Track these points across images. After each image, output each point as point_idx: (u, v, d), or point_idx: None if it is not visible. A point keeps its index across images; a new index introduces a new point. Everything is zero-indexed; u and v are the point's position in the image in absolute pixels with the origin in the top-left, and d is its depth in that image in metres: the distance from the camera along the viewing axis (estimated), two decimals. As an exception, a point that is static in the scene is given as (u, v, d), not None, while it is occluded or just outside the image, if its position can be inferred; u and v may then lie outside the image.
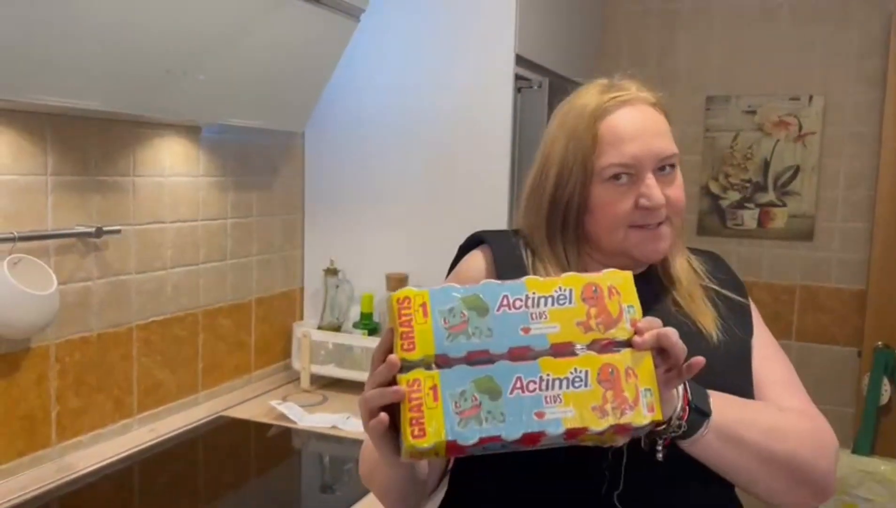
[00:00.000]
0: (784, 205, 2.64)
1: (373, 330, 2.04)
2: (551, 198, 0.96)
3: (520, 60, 1.98)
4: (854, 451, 2.37)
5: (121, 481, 1.47)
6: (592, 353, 0.73)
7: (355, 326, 2.07)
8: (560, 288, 0.74)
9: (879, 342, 2.44)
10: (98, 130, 1.51)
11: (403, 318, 0.71)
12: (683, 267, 1.01)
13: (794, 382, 1.01)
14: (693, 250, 1.07)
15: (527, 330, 0.72)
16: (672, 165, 0.95)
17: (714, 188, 2.73)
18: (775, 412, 0.92)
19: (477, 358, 0.71)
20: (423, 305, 0.71)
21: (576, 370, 0.72)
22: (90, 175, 1.50)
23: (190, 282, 1.77)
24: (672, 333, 0.75)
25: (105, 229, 1.49)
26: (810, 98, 2.59)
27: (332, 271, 2.07)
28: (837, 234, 2.59)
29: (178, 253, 1.73)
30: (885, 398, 2.40)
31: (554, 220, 0.96)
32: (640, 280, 0.82)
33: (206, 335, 1.83)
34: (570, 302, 0.74)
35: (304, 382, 2.01)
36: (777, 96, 2.63)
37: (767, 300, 2.69)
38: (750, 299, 1.05)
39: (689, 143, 2.76)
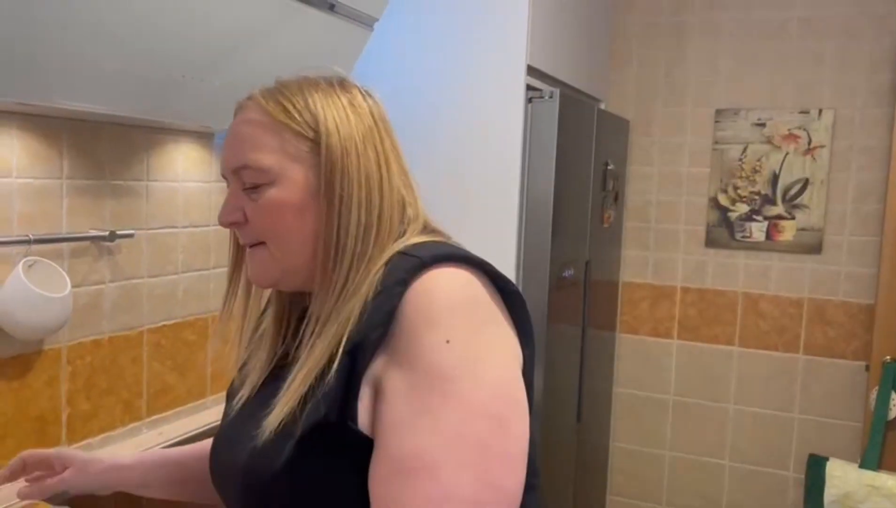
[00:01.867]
0: (793, 218, 2.65)
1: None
2: None
3: (531, 71, 1.99)
4: (861, 466, 2.36)
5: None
6: None
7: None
8: None
9: (888, 357, 2.43)
10: (113, 134, 1.52)
11: None
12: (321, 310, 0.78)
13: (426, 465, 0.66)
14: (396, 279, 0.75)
15: None
16: (253, 187, 0.80)
17: (723, 201, 2.73)
18: None
19: None
20: None
21: None
22: (105, 179, 1.51)
23: (201, 287, 1.78)
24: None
25: (118, 232, 1.50)
26: (820, 112, 2.59)
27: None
28: (846, 247, 2.59)
29: (190, 258, 1.74)
30: (892, 413, 2.39)
31: None
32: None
33: (216, 339, 1.84)
34: None
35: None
36: (786, 110, 2.63)
37: (775, 313, 2.69)
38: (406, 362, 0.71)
39: (698, 155, 2.76)
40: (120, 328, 1.57)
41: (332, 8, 1.62)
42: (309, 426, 0.71)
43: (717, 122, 2.72)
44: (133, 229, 1.56)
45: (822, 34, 2.58)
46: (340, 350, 0.72)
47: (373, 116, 0.85)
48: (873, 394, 2.43)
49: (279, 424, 0.73)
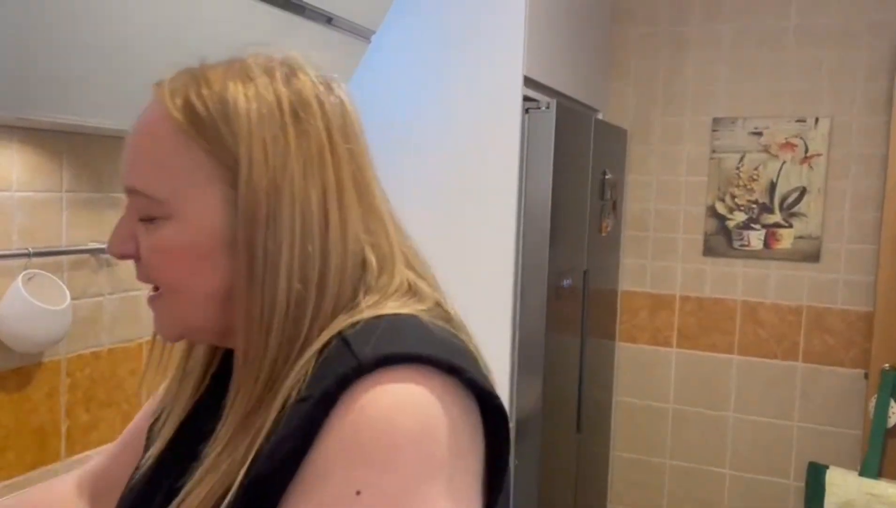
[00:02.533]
0: (790, 226, 2.65)
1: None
2: None
3: (528, 82, 2.00)
4: (861, 473, 2.36)
5: (129, 496, 1.48)
6: None
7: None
8: None
9: (887, 364, 2.44)
10: (113, 147, 1.53)
11: None
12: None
13: None
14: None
15: None
16: (147, 218, 0.60)
17: (720, 209, 2.74)
18: None
19: None
20: None
21: None
22: (104, 192, 1.52)
23: (200, 298, 1.78)
24: None
25: (118, 245, 1.51)
26: (816, 120, 2.60)
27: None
28: (844, 255, 2.60)
29: (189, 269, 1.75)
30: (892, 421, 2.39)
31: None
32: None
33: (214, 350, 1.84)
34: None
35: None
36: (783, 118, 2.64)
37: (774, 321, 2.69)
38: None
39: (696, 164, 2.77)
40: (119, 339, 1.58)
41: (329, 21, 1.63)
42: None
43: (714, 131, 2.74)
44: (132, 241, 1.57)
45: (819, 43, 2.59)
46: (238, 480, 0.53)
47: (328, 128, 0.60)
48: (872, 402, 2.43)
49: None
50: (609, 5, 2.78)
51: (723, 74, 2.72)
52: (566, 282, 2.18)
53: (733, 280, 2.74)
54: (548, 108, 2.00)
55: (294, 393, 0.54)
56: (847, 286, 2.59)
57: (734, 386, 2.76)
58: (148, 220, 0.60)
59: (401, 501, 0.49)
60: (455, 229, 2.01)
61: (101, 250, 1.49)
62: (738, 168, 2.71)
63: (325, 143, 0.59)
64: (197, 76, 0.62)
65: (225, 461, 0.55)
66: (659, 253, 2.84)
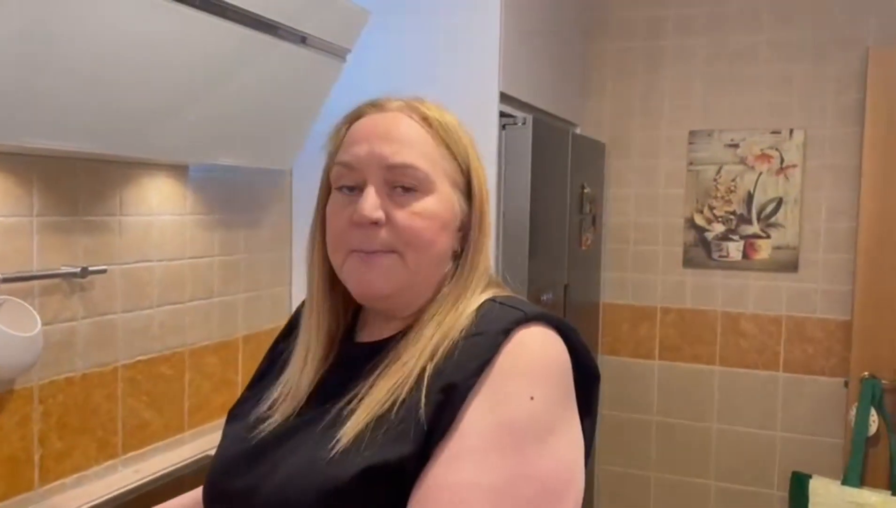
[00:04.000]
0: (768, 237, 2.67)
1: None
2: (313, 221, 0.86)
3: (504, 98, 2.01)
4: (843, 482, 2.37)
5: (104, 524, 1.45)
6: None
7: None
8: None
9: (866, 373, 2.45)
10: (85, 170, 1.51)
11: None
12: (425, 333, 0.77)
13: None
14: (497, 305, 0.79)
15: None
16: (409, 188, 0.77)
17: (699, 221, 2.76)
18: None
19: None
20: None
21: None
22: (77, 215, 1.50)
23: (176, 320, 1.76)
24: None
25: (91, 268, 1.49)
26: (791, 132, 2.63)
27: (319, 308, 2.06)
28: (821, 265, 2.62)
29: (165, 292, 1.73)
30: (872, 429, 2.41)
31: (311, 250, 0.86)
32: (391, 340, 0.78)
33: (192, 373, 1.82)
34: None
35: (292, 419, 1.99)
36: (758, 130, 2.67)
37: (754, 332, 2.70)
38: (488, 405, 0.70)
39: (674, 176, 2.79)
40: (93, 364, 1.55)
41: (303, 40, 1.63)
42: (386, 457, 0.68)
43: (690, 143, 2.76)
44: (106, 264, 1.55)
45: (791, 57, 2.63)
46: (426, 385, 0.70)
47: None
48: (853, 410, 2.44)
49: (352, 442, 0.70)
50: (585, 21, 2.80)
51: (698, 88, 2.75)
52: (546, 296, 2.18)
53: (713, 291, 2.76)
54: (524, 123, 2.01)
55: (461, 332, 0.74)
56: (825, 296, 2.62)
57: (717, 397, 2.77)
58: (404, 191, 0.78)
59: (559, 406, 0.72)
60: (434, 245, 2.00)
61: (74, 274, 1.47)
62: (715, 180, 2.73)
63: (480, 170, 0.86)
64: (413, 101, 0.84)
65: (396, 374, 0.73)
66: (639, 266, 2.85)
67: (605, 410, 2.91)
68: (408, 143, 0.79)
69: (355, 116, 0.85)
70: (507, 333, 0.72)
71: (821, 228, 2.62)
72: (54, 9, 1.13)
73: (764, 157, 2.67)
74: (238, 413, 0.90)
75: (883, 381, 2.43)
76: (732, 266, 2.72)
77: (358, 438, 0.70)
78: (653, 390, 2.85)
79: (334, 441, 0.71)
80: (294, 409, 0.81)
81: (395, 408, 0.71)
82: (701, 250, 2.76)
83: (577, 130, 2.80)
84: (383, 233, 0.77)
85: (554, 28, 2.44)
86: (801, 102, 2.62)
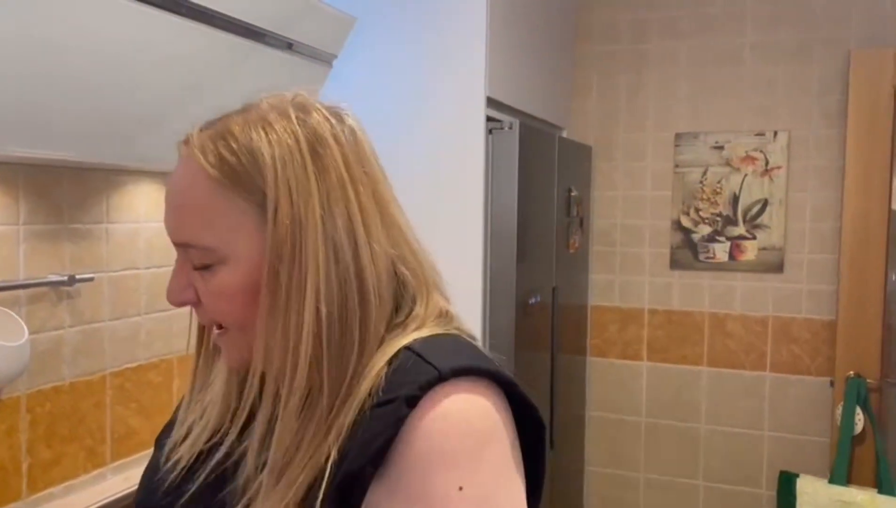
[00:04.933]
0: (754, 238, 2.70)
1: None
2: None
3: (491, 102, 2.02)
4: (830, 481, 2.39)
5: (93, 533, 1.44)
6: None
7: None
8: None
9: (851, 372, 2.48)
10: (71, 178, 1.51)
11: None
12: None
13: None
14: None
15: None
16: (202, 266, 0.66)
17: (685, 223, 2.78)
18: None
19: None
20: None
21: None
22: (63, 223, 1.50)
23: (164, 328, 1.76)
24: None
25: (78, 276, 1.49)
26: (775, 134, 2.66)
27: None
28: (806, 265, 2.65)
29: (153, 299, 1.72)
30: (858, 428, 2.43)
31: None
32: None
33: (180, 380, 1.82)
34: None
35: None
36: (743, 132, 2.70)
37: (741, 332, 2.73)
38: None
39: (660, 179, 2.81)
40: (81, 373, 1.55)
41: (290, 47, 1.63)
42: None
43: (676, 146, 2.78)
44: (94, 271, 1.55)
45: (774, 59, 2.65)
46: (326, 479, 0.59)
47: (344, 158, 0.67)
48: (839, 409, 2.47)
49: None
50: (570, 25, 2.82)
51: (683, 90, 2.77)
52: (534, 299, 2.19)
53: (700, 293, 2.78)
54: (511, 128, 2.02)
55: (371, 399, 0.61)
56: (810, 296, 2.64)
57: (705, 398, 2.78)
58: (203, 268, 0.66)
59: (497, 490, 0.59)
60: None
61: (61, 283, 1.46)
62: (701, 182, 2.75)
63: (343, 172, 0.66)
64: (221, 131, 0.67)
65: (303, 460, 0.61)
66: (627, 268, 2.87)
67: (593, 412, 2.92)
68: (184, 210, 0.67)
69: None
70: (414, 401, 0.59)
71: (805, 228, 2.64)
72: (40, 17, 1.13)
73: (749, 158, 2.69)
74: (161, 439, 0.83)
75: (868, 380, 2.46)
76: (719, 268, 2.74)
77: None
78: (641, 391, 2.87)
79: None
80: (196, 450, 0.74)
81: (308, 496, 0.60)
82: (687, 252, 2.78)
83: (564, 134, 2.81)
84: (202, 311, 0.69)
85: (539, 32, 2.46)
86: (785, 104, 2.65)
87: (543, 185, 2.28)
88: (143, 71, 1.35)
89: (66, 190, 1.50)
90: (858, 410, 2.43)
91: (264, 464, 0.63)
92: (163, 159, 1.58)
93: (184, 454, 0.73)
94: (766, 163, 2.67)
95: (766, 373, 2.70)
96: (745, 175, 2.70)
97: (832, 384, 2.55)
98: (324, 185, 0.65)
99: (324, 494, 0.59)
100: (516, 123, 2.02)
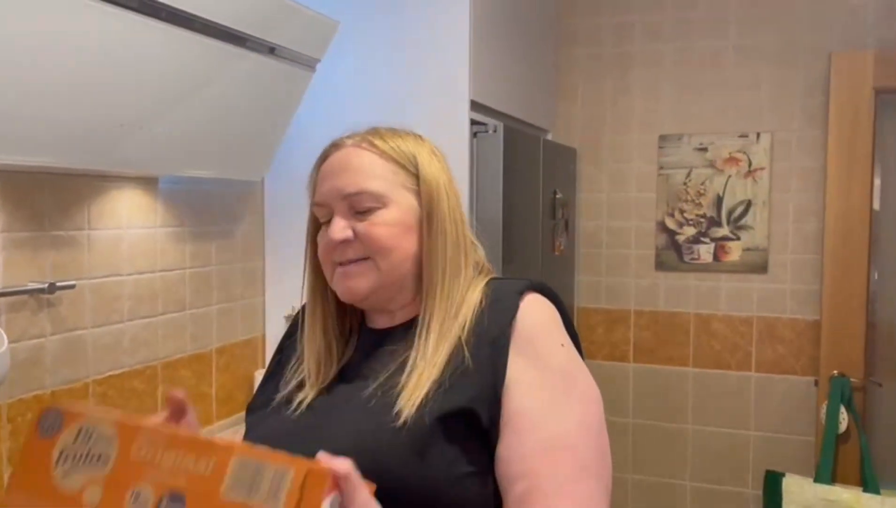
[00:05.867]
0: (738, 239, 2.71)
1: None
2: (305, 249, 1.06)
3: (475, 106, 2.02)
4: (816, 480, 2.40)
5: (76, 543, 1.43)
6: None
7: (318, 372, 2.05)
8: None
9: (835, 371, 2.50)
10: (52, 184, 1.50)
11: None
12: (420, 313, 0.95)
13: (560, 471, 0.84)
14: (498, 284, 0.97)
15: None
16: (366, 210, 0.93)
17: (670, 224, 2.79)
18: None
19: None
20: None
21: None
22: (44, 230, 1.48)
23: (148, 334, 1.75)
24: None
25: (59, 284, 1.47)
26: (758, 135, 2.67)
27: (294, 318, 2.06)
28: (790, 266, 2.66)
29: (136, 305, 1.71)
30: (843, 427, 2.45)
31: (307, 269, 1.06)
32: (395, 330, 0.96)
33: (165, 387, 1.80)
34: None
35: (267, 431, 1.98)
36: (727, 134, 2.71)
37: (726, 333, 2.74)
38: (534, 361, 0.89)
39: (645, 181, 2.82)
40: (63, 381, 1.53)
41: (272, 51, 1.62)
42: (447, 411, 0.83)
43: (660, 148, 2.79)
44: (76, 279, 1.53)
45: (757, 61, 2.67)
46: (469, 346, 0.87)
47: (446, 168, 1.01)
48: (823, 409, 2.48)
49: (415, 408, 0.83)
50: (554, 28, 2.83)
51: (667, 93, 2.78)
52: (521, 303, 2.19)
53: (686, 293, 2.79)
54: (495, 131, 2.02)
55: (481, 302, 0.92)
56: (794, 296, 2.66)
57: (691, 398, 2.80)
58: (365, 211, 0.93)
59: (572, 348, 0.92)
60: (408, 254, 2.00)
61: (41, 290, 1.45)
62: (685, 183, 2.77)
63: (448, 172, 1.01)
64: (371, 131, 1.00)
65: (438, 343, 0.89)
66: (613, 269, 2.88)
67: (581, 413, 2.92)
68: (359, 171, 0.94)
69: (322, 159, 1.00)
70: (520, 296, 0.91)
71: (789, 229, 2.66)
72: (20, 22, 1.12)
73: (732, 160, 2.71)
74: (258, 405, 1.02)
75: (852, 379, 2.47)
76: (704, 268, 2.75)
77: (420, 400, 0.84)
78: (628, 392, 2.88)
79: (397, 408, 0.84)
80: (319, 391, 0.95)
81: (447, 370, 0.86)
82: (673, 253, 2.79)
83: (549, 137, 2.82)
84: (355, 246, 0.93)
85: (523, 36, 2.46)
86: (768, 106, 2.67)
87: (529, 188, 2.29)
88: (123, 76, 1.34)
89: (47, 197, 1.49)
90: (843, 409, 2.45)
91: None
92: (145, 164, 1.57)
93: (306, 399, 0.95)
94: (750, 164, 2.69)
95: (751, 373, 2.71)
96: (729, 176, 2.72)
97: (816, 383, 2.57)
98: (442, 171, 0.99)
99: (472, 355, 0.87)
100: (501, 126, 2.03)
